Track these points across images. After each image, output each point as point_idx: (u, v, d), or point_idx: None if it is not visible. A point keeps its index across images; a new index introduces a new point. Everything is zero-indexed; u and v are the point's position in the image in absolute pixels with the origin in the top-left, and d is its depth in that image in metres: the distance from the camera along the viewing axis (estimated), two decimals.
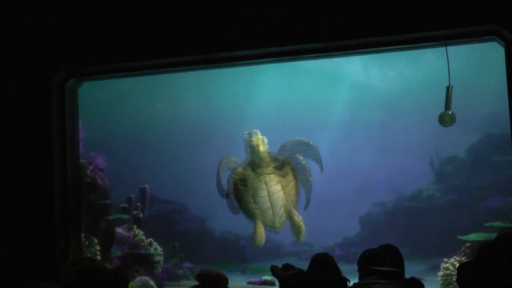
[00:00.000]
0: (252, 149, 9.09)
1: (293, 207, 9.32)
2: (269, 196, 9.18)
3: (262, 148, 9.08)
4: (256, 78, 19.38)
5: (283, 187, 9.22)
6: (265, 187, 9.15)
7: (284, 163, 9.25)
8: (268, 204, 9.20)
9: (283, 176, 9.22)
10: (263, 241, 9.26)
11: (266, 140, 9.20)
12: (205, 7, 7.18)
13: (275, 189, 9.19)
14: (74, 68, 7.80)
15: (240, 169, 9.23)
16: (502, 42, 6.59)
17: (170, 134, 19.46)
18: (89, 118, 11.14)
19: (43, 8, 7.60)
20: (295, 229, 9.28)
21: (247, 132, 9.16)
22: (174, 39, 7.31)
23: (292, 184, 9.28)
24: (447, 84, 8.05)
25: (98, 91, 14.98)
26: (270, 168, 9.17)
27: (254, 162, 9.17)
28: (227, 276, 5.18)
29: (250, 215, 9.33)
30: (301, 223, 9.24)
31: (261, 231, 9.23)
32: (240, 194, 9.29)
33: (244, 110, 20.00)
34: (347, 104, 20.02)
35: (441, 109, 7.69)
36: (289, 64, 16.62)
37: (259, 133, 9.17)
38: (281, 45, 7.15)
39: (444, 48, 7.49)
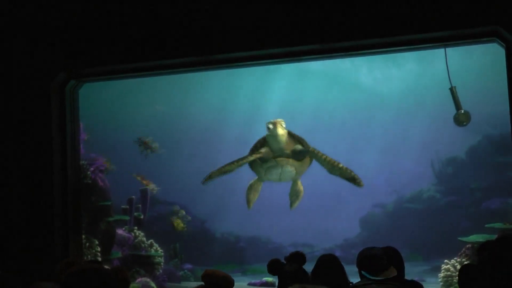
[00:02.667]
0: (271, 133, 9.40)
1: (299, 177, 10.02)
2: (280, 175, 9.78)
3: (281, 131, 9.38)
4: (257, 80, 19.35)
5: (296, 168, 9.76)
6: (280, 170, 9.70)
7: (305, 154, 9.63)
8: (278, 179, 9.88)
9: (300, 161, 9.70)
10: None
11: (284, 124, 9.49)
12: (205, 10, 7.18)
13: (288, 170, 9.75)
14: (74, 70, 7.80)
15: (263, 150, 9.63)
16: (503, 43, 6.58)
17: (171, 135, 19.41)
18: (90, 120, 11.14)
19: (43, 10, 7.60)
20: (294, 194, 10.07)
21: (271, 121, 9.49)
22: (174, 40, 7.32)
23: (306, 165, 9.86)
24: (448, 86, 8.06)
25: (99, 92, 14.96)
26: (289, 153, 9.57)
27: (274, 148, 9.54)
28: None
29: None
30: (301, 192, 9.99)
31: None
32: (255, 165, 9.87)
33: (244, 111, 19.97)
34: (348, 105, 19.99)
35: (442, 110, 7.70)
36: (291, 65, 16.62)
37: (281, 121, 9.51)
38: (282, 46, 7.15)
39: (443, 49, 7.50)
